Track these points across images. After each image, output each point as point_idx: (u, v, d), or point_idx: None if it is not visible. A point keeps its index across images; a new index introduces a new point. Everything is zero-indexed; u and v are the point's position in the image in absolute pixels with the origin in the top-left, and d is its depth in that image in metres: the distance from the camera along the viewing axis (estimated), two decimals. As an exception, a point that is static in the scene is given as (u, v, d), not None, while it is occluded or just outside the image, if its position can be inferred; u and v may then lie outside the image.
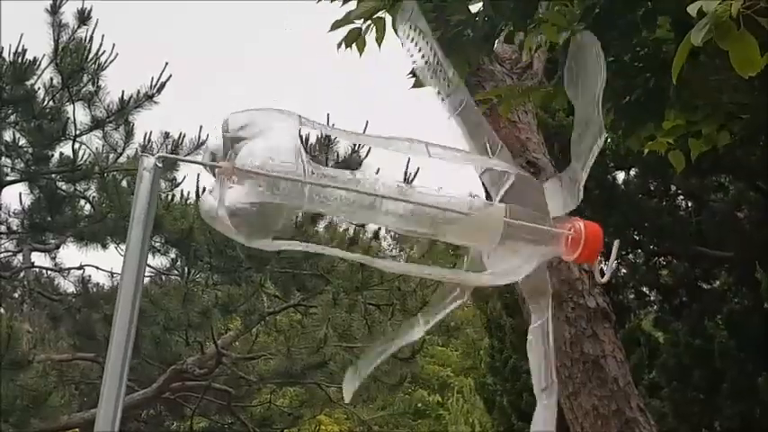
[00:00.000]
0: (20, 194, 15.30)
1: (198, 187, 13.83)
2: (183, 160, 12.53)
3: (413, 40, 2.93)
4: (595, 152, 2.69)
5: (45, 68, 14.58)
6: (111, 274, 16.48)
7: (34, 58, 14.58)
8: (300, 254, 14.80)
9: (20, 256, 16.88)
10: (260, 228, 2.66)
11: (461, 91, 2.86)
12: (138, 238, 2.80)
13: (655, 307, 13.10)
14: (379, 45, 7.20)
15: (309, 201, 2.69)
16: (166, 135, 14.36)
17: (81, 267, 16.97)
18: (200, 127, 14.37)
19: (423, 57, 2.95)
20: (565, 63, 2.87)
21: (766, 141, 6.36)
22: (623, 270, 12.44)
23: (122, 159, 14.86)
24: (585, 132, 2.79)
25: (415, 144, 2.76)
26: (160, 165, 2.75)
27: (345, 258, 15.65)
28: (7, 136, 14.71)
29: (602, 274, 2.77)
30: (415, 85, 7.46)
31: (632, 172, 11.43)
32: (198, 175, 12.51)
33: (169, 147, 14.14)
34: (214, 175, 2.64)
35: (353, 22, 6.91)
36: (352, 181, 2.69)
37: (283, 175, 2.53)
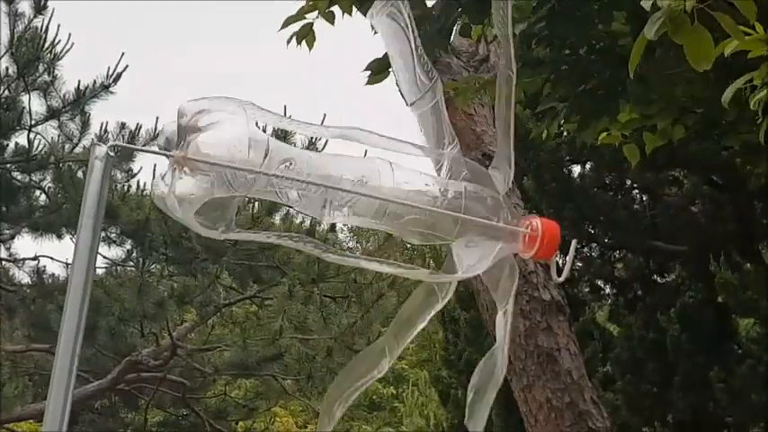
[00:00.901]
0: None
1: (154, 178, 13.78)
2: (135, 149, 12.54)
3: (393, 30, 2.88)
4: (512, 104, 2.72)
5: (0, 58, 14.44)
6: (67, 264, 16.31)
7: None
8: (256, 245, 14.82)
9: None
10: (211, 218, 2.63)
11: (438, 86, 2.85)
12: (90, 228, 2.74)
13: (609, 300, 13.20)
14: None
15: (263, 192, 2.61)
16: (122, 126, 14.24)
17: (36, 258, 16.77)
18: (157, 118, 14.23)
19: (403, 47, 2.92)
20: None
21: (720, 137, 6.43)
22: (578, 263, 12.49)
23: (78, 150, 14.77)
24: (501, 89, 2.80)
25: (373, 136, 2.71)
26: (112, 154, 2.69)
27: (310, 253, 15.62)
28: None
29: (559, 272, 2.77)
30: (370, 82, 7.45)
31: (588, 165, 11.50)
32: (154, 165, 12.43)
33: (125, 137, 13.99)
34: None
35: (305, 18, 6.88)
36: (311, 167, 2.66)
37: (234, 166, 2.49)
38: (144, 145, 14.28)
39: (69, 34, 15.03)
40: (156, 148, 2.68)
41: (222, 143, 2.53)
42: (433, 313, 2.84)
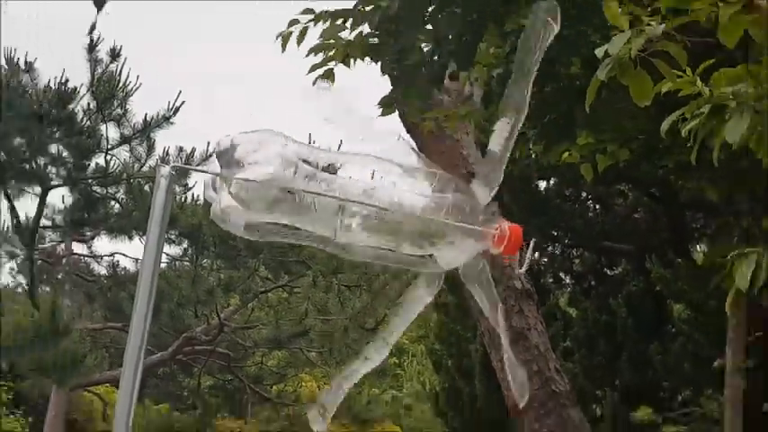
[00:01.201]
0: (62, 196, 15.59)
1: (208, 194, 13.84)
2: (192, 169, 12.47)
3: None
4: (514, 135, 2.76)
5: (83, 96, 14.50)
6: (136, 260, 16.45)
7: (74, 87, 14.52)
8: (287, 245, 14.81)
9: (62, 246, 16.82)
10: (246, 222, 2.69)
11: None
12: (156, 232, 2.81)
13: (569, 289, 13.13)
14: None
15: (289, 210, 2.71)
16: (180, 149, 14.39)
17: (111, 255, 17.47)
18: (208, 143, 14.29)
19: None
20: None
21: (658, 158, 6.37)
22: (544, 259, 12.47)
23: (145, 168, 14.89)
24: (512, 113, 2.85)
25: (386, 164, 2.76)
26: (174, 173, 2.81)
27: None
28: (53, 149, 14.62)
29: (521, 264, 2.80)
30: (382, 114, 7.44)
31: (551, 181, 11.43)
32: (205, 181, 12.46)
33: (183, 158, 14.10)
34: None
35: (328, 64, 6.81)
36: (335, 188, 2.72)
37: (264, 185, 2.55)
38: (198, 164, 14.26)
39: (138, 76, 15.03)
40: (207, 168, 2.76)
41: (257, 167, 2.50)
42: (426, 302, 2.84)
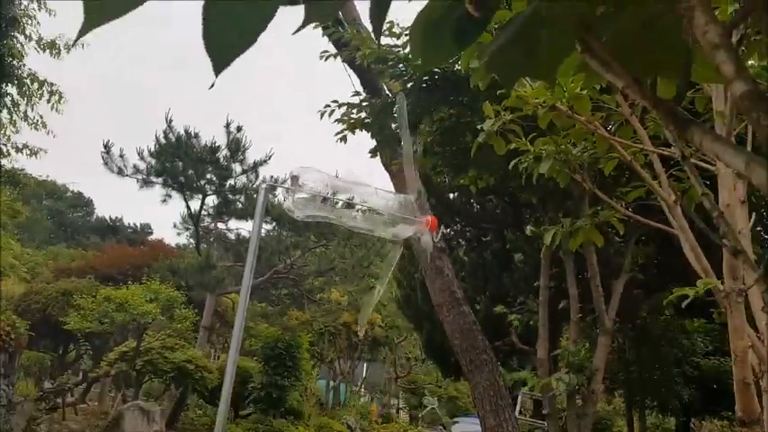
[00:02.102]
0: (212, 199, 15.99)
1: (284, 198, 13.80)
2: (277, 186, 12.52)
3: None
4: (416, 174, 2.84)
5: (223, 149, 14.69)
6: (248, 232, 16.43)
7: (219, 145, 14.91)
8: (324, 223, 14.82)
9: (212, 224, 16.97)
10: (305, 212, 2.69)
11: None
12: (258, 219, 2.77)
13: (464, 247, 12.99)
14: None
15: (327, 211, 2.69)
16: (272, 176, 14.57)
17: (237, 229, 17.62)
18: (288, 172, 14.27)
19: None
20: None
21: (509, 181, 6.33)
22: (452, 232, 12.37)
23: (255, 184, 15.10)
24: (408, 160, 2.88)
25: (370, 188, 2.76)
26: (267, 188, 2.82)
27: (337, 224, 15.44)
28: (208, 176, 14.71)
29: (438, 235, 2.87)
30: (372, 156, 7.32)
31: (456, 193, 11.35)
32: (285, 190, 12.50)
33: (273, 180, 14.11)
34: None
35: (350, 129, 6.74)
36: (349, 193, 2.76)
37: (313, 194, 2.57)
38: (283, 183, 14.24)
39: (251, 140, 15.23)
40: (285, 185, 2.75)
41: (310, 184, 2.57)
42: (398, 256, 2.85)
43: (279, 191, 14.90)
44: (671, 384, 10.85)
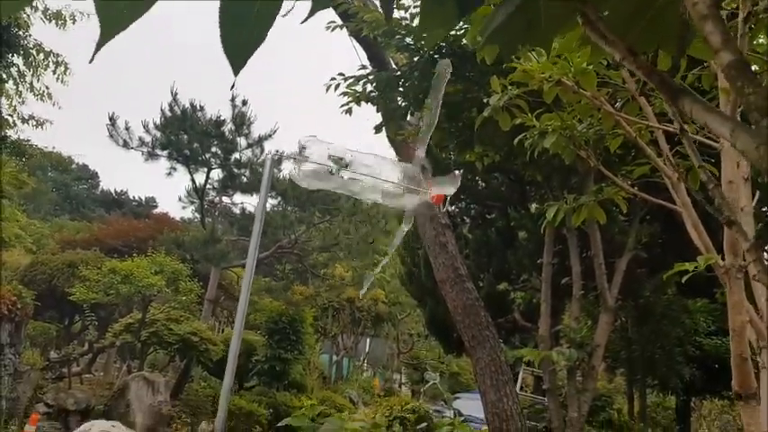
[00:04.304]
0: (218, 173, 16.34)
1: (291, 171, 13.82)
2: (282, 158, 12.57)
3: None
4: (427, 137, 2.84)
5: (228, 123, 14.76)
6: (253, 206, 16.54)
7: (223, 118, 14.82)
8: (329, 197, 14.97)
9: (217, 198, 17.05)
10: (311, 182, 2.72)
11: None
12: (264, 191, 2.79)
13: (468, 224, 12.97)
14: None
15: (333, 180, 2.71)
16: (277, 151, 14.45)
17: (241, 203, 18.00)
18: (298, 141, 14.37)
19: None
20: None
21: (513, 159, 6.30)
22: (457, 210, 12.37)
23: (260, 159, 15.08)
24: (426, 131, 2.88)
25: (378, 157, 2.77)
26: (272, 159, 2.80)
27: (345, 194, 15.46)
28: (213, 149, 14.72)
29: (444, 206, 2.89)
30: (376, 132, 7.31)
31: (461, 170, 11.38)
32: (291, 162, 12.42)
33: (277, 153, 14.18)
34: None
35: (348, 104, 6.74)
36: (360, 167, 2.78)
37: (317, 164, 2.61)
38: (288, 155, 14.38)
39: (255, 114, 15.36)
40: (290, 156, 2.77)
41: (314, 155, 2.59)
42: (405, 231, 2.92)
43: (283, 165, 14.98)
44: (672, 363, 10.89)
